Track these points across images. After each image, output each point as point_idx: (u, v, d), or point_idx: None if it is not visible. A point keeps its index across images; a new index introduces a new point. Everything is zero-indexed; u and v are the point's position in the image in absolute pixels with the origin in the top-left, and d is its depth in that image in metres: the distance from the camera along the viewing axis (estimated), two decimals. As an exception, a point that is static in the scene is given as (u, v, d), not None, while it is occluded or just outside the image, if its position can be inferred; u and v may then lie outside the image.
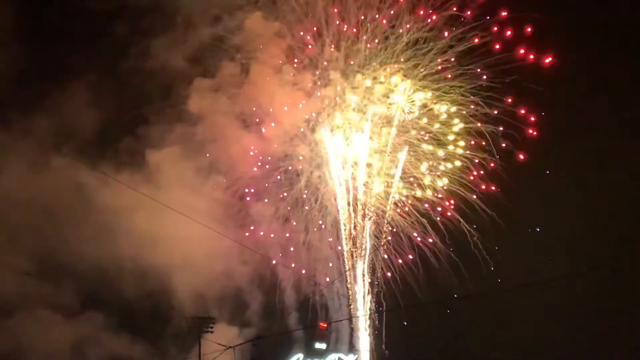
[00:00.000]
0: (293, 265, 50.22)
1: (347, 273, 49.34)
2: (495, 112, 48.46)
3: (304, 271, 49.76)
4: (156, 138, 47.68)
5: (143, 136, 47.49)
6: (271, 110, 49.99)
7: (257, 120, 50.42)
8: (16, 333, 42.50)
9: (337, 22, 49.41)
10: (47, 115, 45.07)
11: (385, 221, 49.87)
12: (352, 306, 49.78)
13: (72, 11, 45.97)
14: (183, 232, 43.29)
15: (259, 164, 50.50)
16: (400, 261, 49.58)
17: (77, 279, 43.79)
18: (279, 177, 51.01)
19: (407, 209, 50.06)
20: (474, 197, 48.80)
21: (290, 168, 51.21)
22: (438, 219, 49.33)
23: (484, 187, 48.81)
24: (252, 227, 50.37)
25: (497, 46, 47.11)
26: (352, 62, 49.70)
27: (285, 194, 50.75)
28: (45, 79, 46.12)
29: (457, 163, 49.48)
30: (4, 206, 42.86)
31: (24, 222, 43.58)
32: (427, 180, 49.95)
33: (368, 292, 49.44)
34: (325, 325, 48.25)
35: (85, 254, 43.47)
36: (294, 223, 50.53)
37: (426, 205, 49.55)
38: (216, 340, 42.12)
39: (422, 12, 48.32)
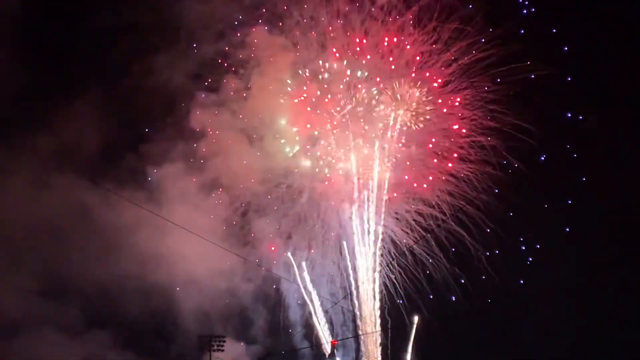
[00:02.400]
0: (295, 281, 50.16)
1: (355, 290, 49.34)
2: (498, 124, 48.42)
3: (305, 287, 49.68)
4: (159, 155, 47.60)
5: (146, 153, 47.38)
6: (274, 124, 49.78)
7: (260, 134, 50.08)
8: (22, 353, 42.45)
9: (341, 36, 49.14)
10: (50, 133, 44.74)
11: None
12: (358, 323, 49.92)
13: (75, 29, 45.49)
14: (186, 250, 43.21)
15: (262, 179, 50.16)
16: (404, 276, 49.69)
17: (81, 297, 43.89)
18: (284, 189, 50.69)
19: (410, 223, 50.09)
20: (477, 210, 48.97)
21: (292, 184, 50.84)
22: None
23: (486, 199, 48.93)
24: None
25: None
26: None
27: (287, 210, 50.49)
28: (47, 97, 45.63)
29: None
30: (7, 225, 42.55)
31: (28, 241, 43.38)
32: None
33: (378, 308, 49.48)
34: (336, 342, 48.32)
35: (89, 272, 43.54)
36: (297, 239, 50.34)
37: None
38: (224, 358, 42.42)
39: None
